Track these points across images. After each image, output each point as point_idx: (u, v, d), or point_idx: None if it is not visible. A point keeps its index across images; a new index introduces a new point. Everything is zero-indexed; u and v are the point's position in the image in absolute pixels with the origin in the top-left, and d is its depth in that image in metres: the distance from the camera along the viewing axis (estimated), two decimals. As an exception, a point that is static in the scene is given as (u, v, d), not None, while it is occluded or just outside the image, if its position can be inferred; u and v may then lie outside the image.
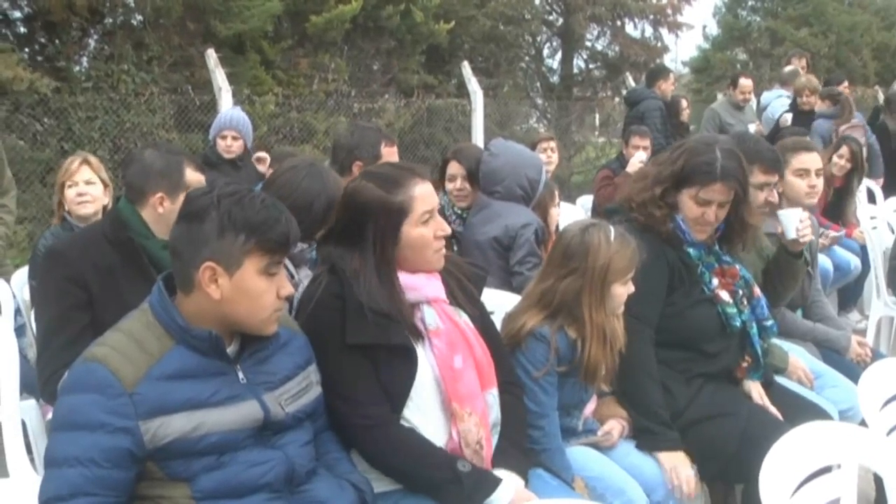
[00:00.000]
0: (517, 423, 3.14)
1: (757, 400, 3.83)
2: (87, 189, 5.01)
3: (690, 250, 3.74)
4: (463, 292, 3.15)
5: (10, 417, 3.74)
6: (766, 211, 4.38)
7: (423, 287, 2.99)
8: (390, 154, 4.72)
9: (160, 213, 3.53)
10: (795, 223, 4.25)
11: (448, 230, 3.03)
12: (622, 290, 3.36)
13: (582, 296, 3.32)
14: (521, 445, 3.11)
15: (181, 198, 3.40)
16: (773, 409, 3.81)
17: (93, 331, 3.33)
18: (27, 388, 3.96)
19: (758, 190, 4.27)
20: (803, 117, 10.02)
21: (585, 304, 3.31)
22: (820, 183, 4.81)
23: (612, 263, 3.31)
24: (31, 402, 3.99)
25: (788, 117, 10.17)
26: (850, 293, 7.94)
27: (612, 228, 3.40)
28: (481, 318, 3.18)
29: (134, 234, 3.52)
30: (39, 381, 3.47)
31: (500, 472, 2.90)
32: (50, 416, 3.68)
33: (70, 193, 5.00)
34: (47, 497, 2.35)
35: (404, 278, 2.97)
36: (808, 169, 4.75)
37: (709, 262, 3.79)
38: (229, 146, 7.47)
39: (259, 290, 2.52)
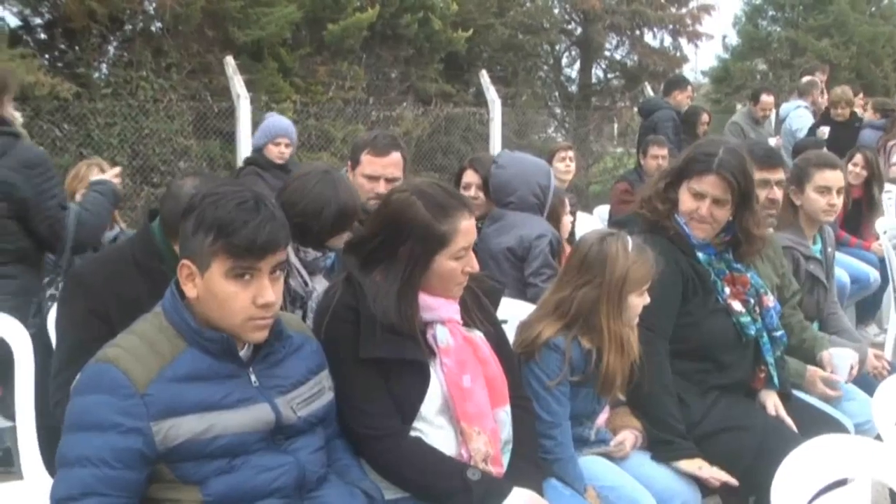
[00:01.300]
0: (529, 437, 3.12)
1: (771, 410, 3.80)
2: None
3: (700, 255, 3.74)
4: (479, 308, 3.13)
5: (25, 420, 3.74)
6: (771, 212, 4.34)
7: (439, 308, 2.98)
8: (369, 163, 4.47)
9: None
10: (848, 367, 4.20)
11: (477, 268, 3.01)
12: (638, 301, 3.35)
13: (599, 306, 3.30)
14: (534, 460, 3.10)
15: None
16: (788, 421, 3.79)
17: None
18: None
19: (757, 188, 4.22)
20: (844, 129, 9.97)
21: (603, 313, 3.30)
22: (840, 202, 4.78)
23: (629, 274, 3.30)
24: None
25: (826, 130, 10.12)
26: (868, 306, 7.88)
27: (629, 239, 3.39)
28: (496, 335, 3.16)
29: (166, 267, 3.36)
30: (52, 401, 3.41)
31: (521, 493, 2.86)
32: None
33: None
34: (59, 497, 2.35)
35: (422, 299, 2.95)
36: (829, 187, 4.71)
37: (719, 269, 3.78)
38: (282, 153, 7.58)
39: (225, 294, 2.48)
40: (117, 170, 5.32)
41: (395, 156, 4.52)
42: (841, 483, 2.74)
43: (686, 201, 3.70)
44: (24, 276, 4.47)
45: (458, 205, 2.93)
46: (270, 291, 2.51)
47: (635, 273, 3.32)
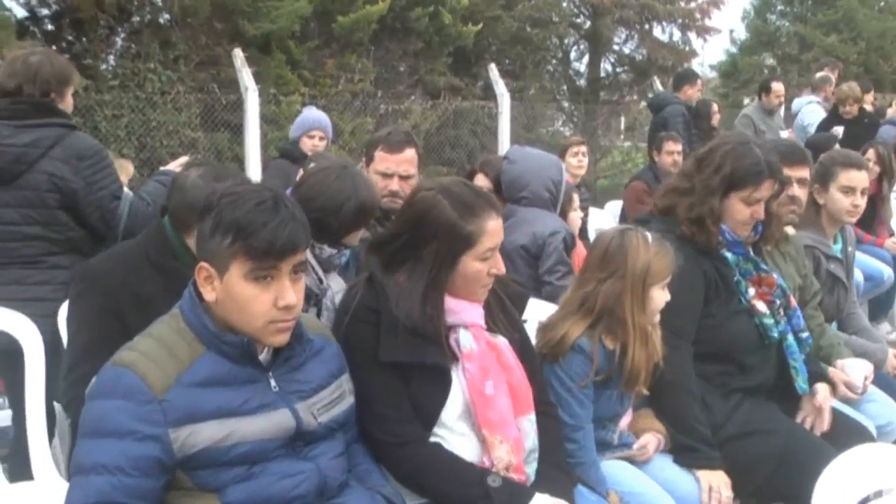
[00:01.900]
0: (557, 445, 3.07)
1: (820, 403, 3.79)
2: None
3: (729, 255, 3.68)
4: (503, 313, 3.06)
5: (36, 421, 3.69)
6: (792, 208, 4.27)
7: (463, 311, 2.91)
8: (382, 160, 4.37)
9: None
10: (862, 379, 4.14)
11: (503, 270, 2.93)
12: (661, 295, 3.30)
13: (623, 298, 3.25)
14: (564, 467, 3.04)
15: None
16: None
17: None
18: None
19: None
20: (853, 126, 9.89)
21: (627, 306, 3.25)
22: (863, 202, 4.71)
23: (651, 266, 3.25)
24: (57, 405, 3.93)
25: (840, 130, 10.04)
26: (881, 304, 7.81)
27: (648, 233, 3.34)
28: (520, 341, 3.10)
29: (180, 264, 3.32)
30: (64, 398, 3.40)
31: (543, 498, 2.80)
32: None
33: None
34: (74, 505, 2.30)
35: (446, 301, 2.89)
36: (854, 187, 4.65)
37: (746, 269, 3.72)
38: (316, 146, 7.56)
39: (246, 297, 2.41)
40: (183, 159, 5.30)
41: (410, 152, 4.43)
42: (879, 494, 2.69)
43: (741, 211, 3.63)
44: (76, 266, 4.44)
45: (485, 204, 2.87)
46: (292, 293, 2.44)
47: (657, 265, 3.27)
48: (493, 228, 2.84)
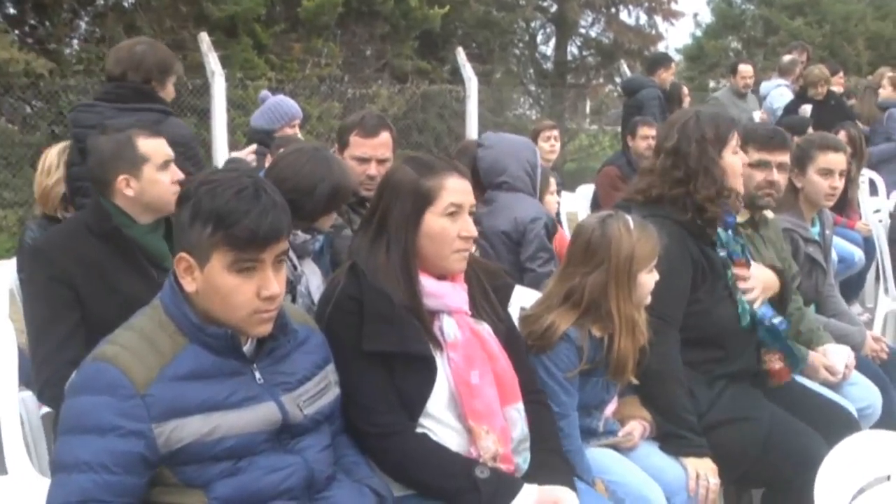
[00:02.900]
0: (551, 431, 3.03)
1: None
2: None
3: (721, 232, 3.68)
4: (487, 301, 3.03)
5: (9, 412, 3.61)
6: (769, 192, 4.24)
7: (446, 295, 2.87)
8: (358, 145, 4.32)
9: (131, 195, 3.38)
10: (843, 366, 4.16)
11: (475, 233, 2.88)
12: (648, 279, 3.26)
13: (608, 289, 3.21)
14: (560, 452, 3.01)
15: (146, 171, 3.35)
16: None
17: (87, 328, 3.26)
18: (22, 379, 3.83)
19: (754, 168, 4.14)
20: (821, 107, 9.91)
21: (612, 296, 3.21)
22: (841, 185, 4.72)
23: (636, 252, 3.21)
24: (28, 394, 3.85)
25: (808, 108, 10.05)
26: (851, 286, 7.83)
27: (628, 218, 3.30)
28: (506, 331, 3.06)
29: (117, 222, 3.39)
30: (36, 385, 3.37)
31: (531, 489, 2.77)
32: (45, 409, 3.57)
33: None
34: (56, 504, 2.23)
35: (429, 284, 2.85)
36: (832, 170, 4.66)
37: (734, 250, 3.71)
38: (297, 134, 7.44)
39: (228, 288, 2.35)
40: (252, 147, 5.58)
41: (385, 136, 4.37)
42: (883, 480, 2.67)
43: (736, 163, 3.68)
44: None
45: (445, 165, 2.91)
46: (275, 283, 2.38)
47: (641, 250, 3.23)
48: (453, 185, 2.84)
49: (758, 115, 10.55)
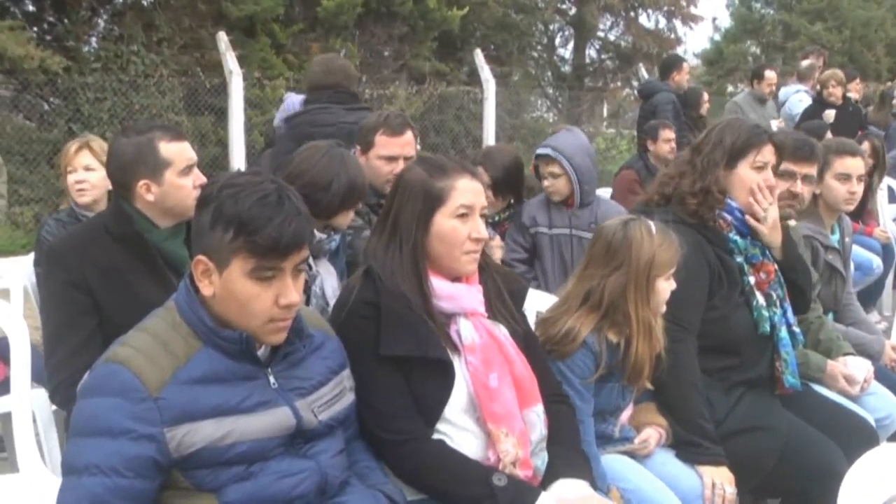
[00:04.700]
0: (572, 428, 3.01)
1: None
2: (85, 176, 4.77)
3: (738, 239, 3.63)
4: (502, 303, 3.00)
5: (21, 410, 3.60)
6: (792, 203, 4.20)
7: (461, 297, 2.85)
8: (385, 144, 4.36)
9: (151, 200, 3.32)
10: (862, 379, 4.07)
11: (485, 235, 2.86)
12: (666, 286, 3.24)
13: (627, 292, 3.19)
14: (579, 449, 2.99)
15: (168, 176, 3.30)
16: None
17: (104, 333, 3.22)
18: (35, 377, 3.82)
19: (778, 178, 4.09)
20: (846, 114, 9.84)
21: (630, 300, 3.19)
22: (860, 190, 4.67)
23: (656, 258, 3.19)
24: (41, 391, 3.84)
25: (832, 114, 9.99)
26: (869, 294, 7.78)
27: (650, 223, 3.28)
28: (523, 333, 3.03)
29: (138, 227, 3.33)
30: (49, 386, 3.35)
31: (564, 482, 2.77)
32: (55, 406, 3.56)
33: (70, 180, 4.83)
34: (66, 508, 2.21)
35: (443, 286, 2.83)
36: (849, 174, 4.61)
37: (753, 254, 3.66)
38: None
39: (247, 295, 2.32)
40: None
41: (409, 134, 4.43)
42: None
43: (750, 177, 3.62)
44: None
45: (457, 166, 2.89)
46: (294, 291, 2.36)
47: (662, 256, 3.21)
48: (464, 186, 2.82)
49: (776, 124, 10.48)
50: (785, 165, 4.09)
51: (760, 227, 3.64)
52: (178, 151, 3.36)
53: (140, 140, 3.34)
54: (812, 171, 4.25)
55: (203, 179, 3.38)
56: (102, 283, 3.26)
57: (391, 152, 4.30)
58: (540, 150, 5.03)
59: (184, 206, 3.33)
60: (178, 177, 3.34)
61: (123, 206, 3.36)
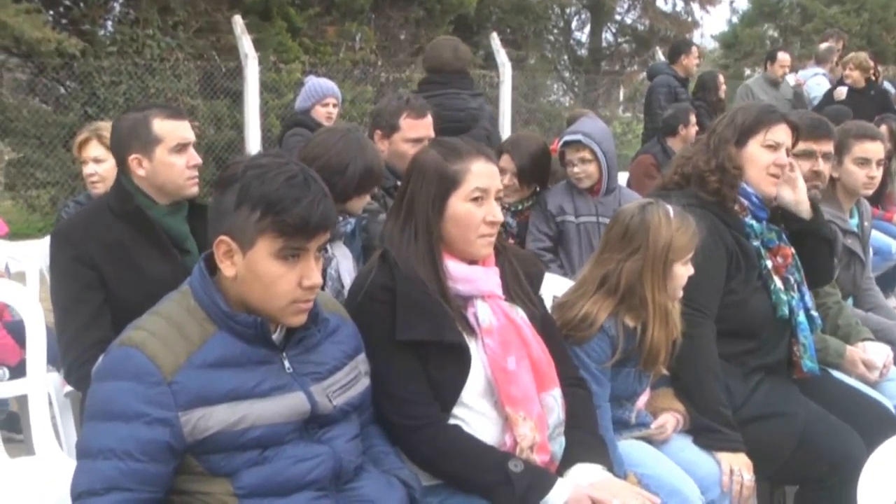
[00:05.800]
0: (589, 412, 3.00)
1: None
2: (95, 168, 4.77)
3: (753, 223, 3.59)
4: (519, 286, 2.98)
5: (38, 393, 3.61)
6: (815, 183, 4.18)
7: (478, 279, 2.83)
8: (413, 127, 4.37)
9: (142, 175, 3.37)
10: (881, 364, 4.06)
11: (500, 218, 2.84)
12: (683, 271, 3.21)
13: (644, 276, 3.16)
14: (596, 433, 2.97)
15: (158, 152, 3.34)
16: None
17: (112, 309, 3.28)
18: (50, 360, 3.83)
19: (799, 158, 4.06)
20: (860, 96, 9.76)
21: (647, 284, 3.16)
22: (879, 174, 4.62)
23: (673, 242, 3.16)
24: (54, 374, 3.84)
25: (843, 91, 9.91)
26: (888, 279, 7.72)
27: (668, 207, 3.25)
28: (541, 316, 3.01)
29: (139, 202, 3.38)
30: (63, 366, 3.37)
31: (581, 467, 2.76)
32: (68, 388, 3.57)
33: (84, 172, 4.85)
34: (80, 491, 2.20)
35: (460, 269, 2.81)
36: (869, 159, 4.56)
37: (769, 238, 3.64)
38: (330, 113, 7.42)
39: (272, 276, 2.31)
40: None
41: (429, 116, 4.48)
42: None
43: (762, 156, 3.59)
44: None
45: (472, 149, 2.86)
46: (317, 272, 2.36)
47: (679, 241, 3.18)
48: (479, 169, 2.80)
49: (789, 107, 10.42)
50: (804, 145, 4.08)
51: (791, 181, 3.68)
52: (171, 129, 3.40)
53: (137, 116, 3.41)
54: (829, 147, 4.25)
55: (197, 160, 3.43)
56: (107, 258, 3.31)
57: (418, 134, 4.32)
58: (569, 137, 4.98)
59: (175, 185, 3.41)
60: (170, 154, 3.37)
61: (124, 183, 3.42)
